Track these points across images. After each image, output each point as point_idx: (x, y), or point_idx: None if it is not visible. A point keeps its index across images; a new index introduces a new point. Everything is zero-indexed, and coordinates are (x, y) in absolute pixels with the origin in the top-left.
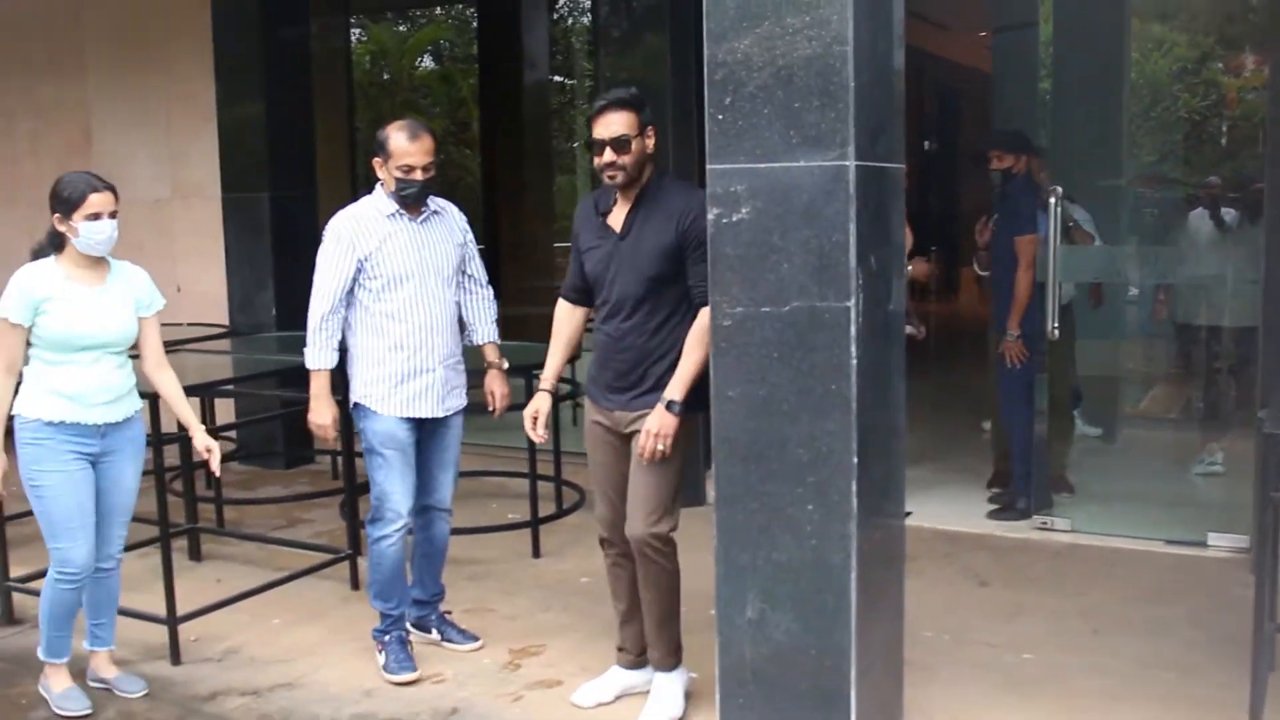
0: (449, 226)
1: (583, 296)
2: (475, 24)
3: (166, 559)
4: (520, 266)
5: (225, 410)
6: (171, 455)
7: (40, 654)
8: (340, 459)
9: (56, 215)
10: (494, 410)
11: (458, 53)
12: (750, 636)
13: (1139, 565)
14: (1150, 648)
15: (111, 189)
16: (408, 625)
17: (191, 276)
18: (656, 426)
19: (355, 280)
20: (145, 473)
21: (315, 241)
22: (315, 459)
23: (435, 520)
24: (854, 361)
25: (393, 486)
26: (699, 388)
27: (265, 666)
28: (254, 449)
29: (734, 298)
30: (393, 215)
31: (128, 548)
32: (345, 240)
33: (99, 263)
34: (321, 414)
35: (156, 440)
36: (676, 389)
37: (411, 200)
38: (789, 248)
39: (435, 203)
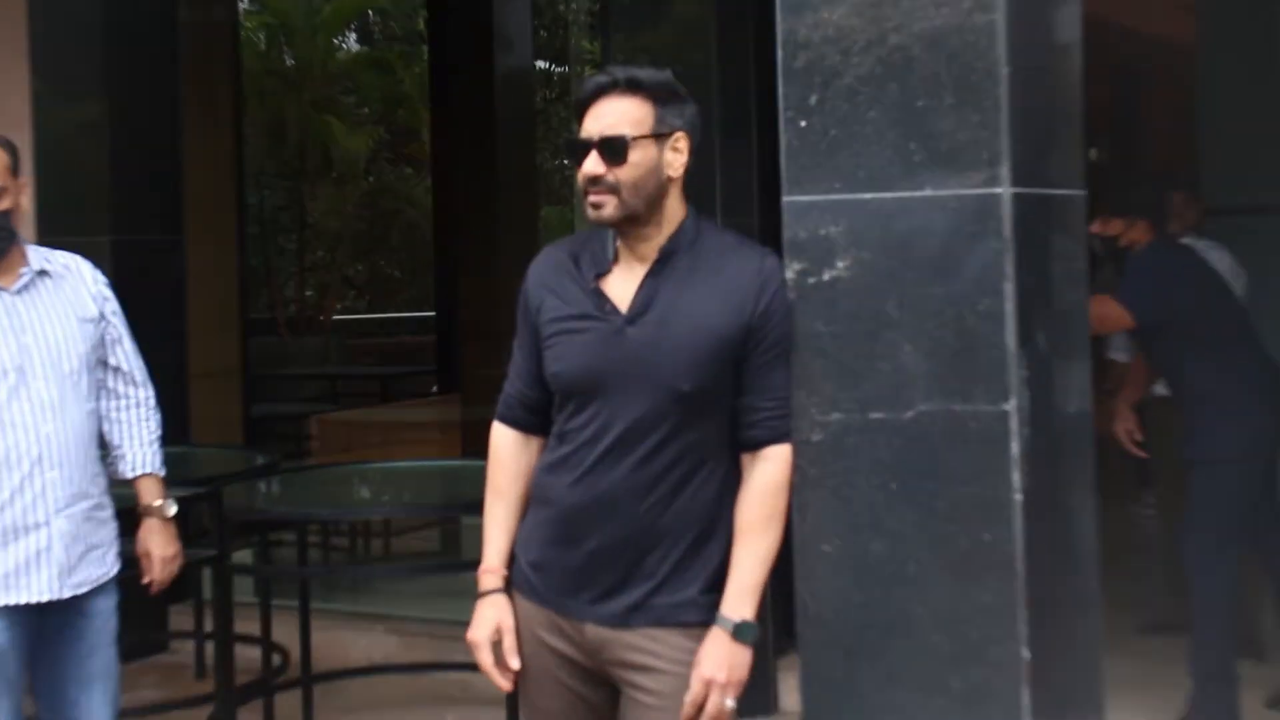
0: (72, 294)
1: (538, 418)
2: None
3: None
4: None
5: None
6: None
7: None
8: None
9: None
10: (150, 581)
11: (395, 30)
12: None
13: None
14: None
15: None
16: None
17: None
18: (724, 671)
19: None
20: None
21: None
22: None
23: None
24: (1018, 497)
25: None
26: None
27: None
28: None
29: (827, 398)
30: None
31: None
32: None
33: None
34: None
35: None
36: (747, 602)
37: None
38: (911, 320)
39: (46, 259)
